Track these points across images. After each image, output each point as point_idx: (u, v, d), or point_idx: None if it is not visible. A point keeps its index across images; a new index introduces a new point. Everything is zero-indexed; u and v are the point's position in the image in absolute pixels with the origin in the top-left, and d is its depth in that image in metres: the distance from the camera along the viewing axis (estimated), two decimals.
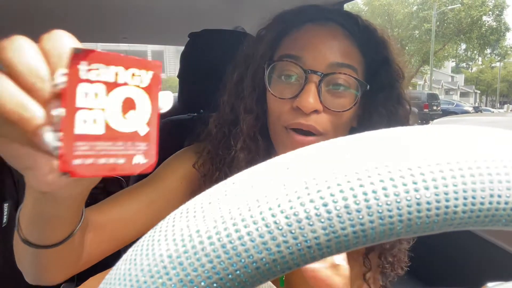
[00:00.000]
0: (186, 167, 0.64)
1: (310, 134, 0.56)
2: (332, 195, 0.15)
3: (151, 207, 0.60)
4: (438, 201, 0.15)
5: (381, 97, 0.59)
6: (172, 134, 0.81)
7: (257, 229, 0.15)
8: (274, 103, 0.58)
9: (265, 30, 0.61)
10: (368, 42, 0.58)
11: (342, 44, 0.56)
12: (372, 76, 0.59)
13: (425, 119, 14.63)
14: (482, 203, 0.15)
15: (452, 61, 36.32)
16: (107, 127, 0.26)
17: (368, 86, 0.57)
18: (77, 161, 0.24)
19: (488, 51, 31.06)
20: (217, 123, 0.63)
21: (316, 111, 0.55)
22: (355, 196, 0.15)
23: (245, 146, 0.59)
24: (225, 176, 0.60)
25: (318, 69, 0.54)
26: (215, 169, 0.62)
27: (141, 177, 0.83)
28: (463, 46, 28.48)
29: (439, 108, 15.95)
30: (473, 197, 0.15)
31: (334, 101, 0.56)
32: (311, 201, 0.15)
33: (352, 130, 0.61)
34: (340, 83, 0.56)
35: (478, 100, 39.91)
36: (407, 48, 26.17)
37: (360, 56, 0.58)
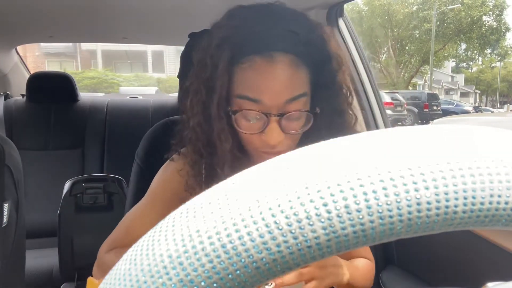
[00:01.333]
0: (175, 183, 0.71)
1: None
2: (332, 195, 0.15)
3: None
4: (438, 201, 0.15)
5: (325, 95, 0.65)
6: (172, 134, 0.81)
7: (257, 229, 0.15)
8: (243, 134, 0.64)
9: (214, 54, 0.62)
10: (310, 52, 0.62)
11: (291, 76, 0.60)
12: (315, 76, 0.64)
13: (425, 119, 14.65)
14: (482, 203, 0.15)
15: (452, 61, 36.31)
16: None
17: (318, 109, 0.64)
18: None
19: (488, 51, 31.05)
20: (192, 143, 0.67)
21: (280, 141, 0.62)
22: (355, 196, 0.15)
23: (231, 167, 0.64)
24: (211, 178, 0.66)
25: (276, 108, 0.60)
26: (199, 186, 0.67)
27: (138, 189, 0.84)
28: (463, 46, 28.51)
29: (439, 108, 15.96)
30: (473, 197, 0.15)
31: (293, 126, 0.63)
32: (311, 201, 0.15)
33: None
34: (297, 116, 0.62)
35: (478, 100, 39.90)
36: (407, 48, 26.19)
37: (307, 71, 0.62)
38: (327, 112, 0.65)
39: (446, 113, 15.78)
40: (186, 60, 1.06)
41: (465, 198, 0.15)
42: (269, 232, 0.15)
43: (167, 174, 0.73)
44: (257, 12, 0.63)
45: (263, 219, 0.15)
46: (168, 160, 0.75)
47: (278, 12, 0.63)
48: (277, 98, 0.60)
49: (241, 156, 0.65)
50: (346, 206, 0.15)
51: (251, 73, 0.60)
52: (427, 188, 0.15)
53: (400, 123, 12.82)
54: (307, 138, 0.66)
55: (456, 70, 41.11)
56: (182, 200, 0.69)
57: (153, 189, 0.74)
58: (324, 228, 0.15)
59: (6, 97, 2.09)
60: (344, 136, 0.18)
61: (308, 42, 0.61)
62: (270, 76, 0.60)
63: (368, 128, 1.24)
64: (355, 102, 0.70)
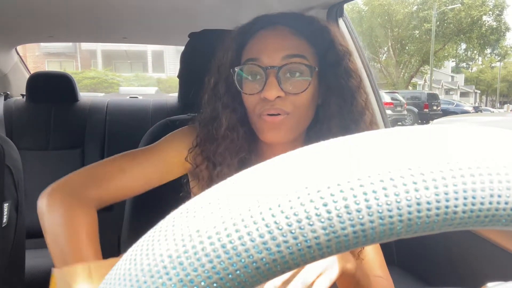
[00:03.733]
0: (181, 149, 0.74)
1: (278, 114, 0.68)
2: (332, 195, 0.15)
3: (141, 177, 0.71)
4: (438, 201, 0.15)
5: (332, 74, 0.70)
6: None
7: (257, 229, 0.15)
8: (247, 99, 0.70)
9: (230, 42, 0.72)
10: (313, 33, 0.69)
11: (290, 40, 0.68)
12: (322, 59, 0.70)
13: (425, 119, 14.64)
14: (482, 203, 0.15)
15: (452, 61, 36.28)
16: None
17: (317, 68, 0.69)
18: None
19: (488, 51, 31.05)
20: (201, 122, 0.74)
21: (279, 97, 0.66)
22: (355, 196, 0.15)
23: (226, 135, 0.70)
24: (214, 166, 0.71)
25: (274, 64, 0.66)
26: (204, 159, 0.72)
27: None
28: (463, 46, 28.50)
29: (439, 108, 15.95)
30: (473, 197, 0.15)
31: (292, 86, 0.67)
32: (311, 201, 0.15)
33: (318, 108, 0.72)
34: (294, 70, 0.67)
35: (478, 100, 39.88)
36: (407, 48, 26.19)
37: (308, 46, 0.69)
38: (334, 89, 0.69)
39: (446, 113, 15.78)
40: (186, 60, 1.06)
41: (465, 198, 0.15)
42: (269, 232, 0.15)
43: (177, 134, 0.77)
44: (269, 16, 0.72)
45: (263, 219, 0.15)
46: (180, 129, 0.78)
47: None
48: (273, 54, 0.66)
49: (240, 132, 0.71)
50: (346, 206, 0.15)
51: (255, 41, 0.69)
52: (427, 188, 0.15)
53: (400, 123, 12.82)
54: (323, 113, 0.71)
55: (456, 70, 41.10)
56: (184, 165, 0.74)
57: (160, 141, 0.76)
58: (324, 228, 0.15)
59: (6, 97, 2.09)
60: (343, 136, 0.18)
61: (312, 24, 0.70)
62: (269, 38, 0.68)
63: None
64: (368, 93, 0.75)
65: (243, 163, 0.70)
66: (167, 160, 0.73)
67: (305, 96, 0.68)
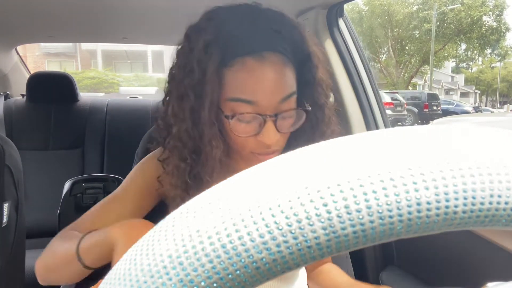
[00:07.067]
0: (149, 179, 0.71)
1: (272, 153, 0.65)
2: (332, 195, 0.15)
3: (130, 215, 0.69)
4: (438, 201, 0.15)
5: (309, 91, 0.66)
6: None
7: (257, 229, 0.15)
8: (238, 138, 0.63)
9: (202, 59, 0.60)
10: (294, 50, 0.63)
11: (282, 75, 0.60)
12: (300, 74, 0.65)
13: (425, 119, 14.65)
14: (482, 203, 0.15)
15: (452, 61, 36.28)
16: None
17: (309, 106, 0.65)
18: None
19: (488, 51, 31.03)
20: (177, 150, 0.64)
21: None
22: (355, 196, 0.15)
23: (220, 173, 0.62)
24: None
25: (271, 108, 0.60)
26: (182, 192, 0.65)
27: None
28: (463, 46, 28.47)
29: (439, 108, 15.96)
30: (473, 197, 0.15)
31: (287, 124, 0.64)
32: (311, 201, 0.15)
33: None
34: (291, 111, 0.63)
35: (478, 100, 39.87)
36: (407, 48, 26.18)
37: (293, 68, 0.63)
38: (312, 108, 0.66)
39: (446, 113, 15.79)
40: (178, 64, 1.05)
41: (465, 198, 0.15)
42: (269, 232, 0.15)
43: (148, 165, 0.73)
44: (238, 12, 0.62)
45: (263, 219, 0.15)
46: (151, 153, 0.73)
47: (258, 12, 0.63)
48: (271, 98, 0.60)
49: (229, 162, 0.65)
50: (346, 206, 0.15)
51: (243, 74, 0.59)
52: (427, 188, 0.15)
53: (400, 123, 12.83)
54: (293, 134, 0.67)
55: (456, 70, 41.10)
56: (158, 191, 0.70)
57: (130, 177, 0.74)
58: (324, 228, 0.15)
59: (6, 97, 2.09)
60: (343, 137, 0.18)
61: (291, 40, 0.62)
62: (263, 76, 0.59)
63: (368, 128, 1.24)
64: (332, 98, 0.72)
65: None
66: (142, 195, 0.71)
67: (293, 123, 0.65)
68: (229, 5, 0.64)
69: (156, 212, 0.74)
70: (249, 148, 0.64)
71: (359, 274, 1.08)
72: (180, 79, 0.62)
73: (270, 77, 0.59)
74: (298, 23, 0.66)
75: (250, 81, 0.59)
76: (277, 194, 0.15)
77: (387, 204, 0.15)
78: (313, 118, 0.66)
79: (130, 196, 0.71)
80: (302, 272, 0.79)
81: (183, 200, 0.63)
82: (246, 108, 0.60)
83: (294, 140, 0.66)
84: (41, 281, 0.68)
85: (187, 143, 0.62)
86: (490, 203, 0.15)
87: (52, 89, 2.02)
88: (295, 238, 0.15)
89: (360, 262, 1.19)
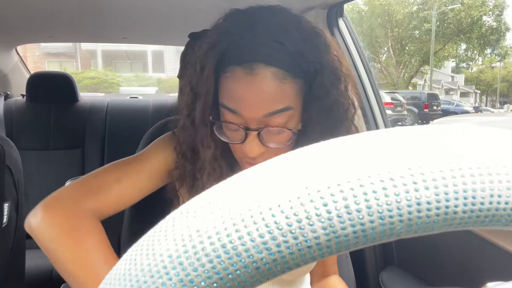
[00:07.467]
0: (168, 158, 0.70)
1: None
2: (332, 195, 0.15)
3: (137, 186, 0.68)
4: (438, 201, 0.15)
5: (315, 108, 0.61)
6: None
7: (257, 229, 0.15)
8: (227, 141, 0.63)
9: (202, 60, 0.60)
10: (300, 63, 0.58)
11: (272, 89, 0.57)
12: (309, 88, 0.60)
13: (425, 119, 14.65)
14: (482, 203, 0.15)
15: (452, 61, 36.27)
16: None
17: (301, 125, 0.61)
18: None
19: (488, 51, 31.02)
20: (179, 145, 0.67)
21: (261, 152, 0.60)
22: (355, 196, 0.15)
23: (210, 171, 0.64)
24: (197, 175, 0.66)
25: (255, 122, 0.58)
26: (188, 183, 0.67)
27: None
28: (463, 46, 28.48)
29: (439, 108, 15.96)
30: (473, 197, 0.15)
31: (275, 139, 0.60)
32: (311, 201, 0.15)
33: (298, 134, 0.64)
34: (277, 127, 0.59)
35: (478, 100, 39.87)
36: (407, 48, 26.18)
37: (294, 83, 0.58)
38: (316, 127, 0.61)
39: (446, 113, 15.80)
40: (186, 60, 1.05)
41: (465, 198, 0.15)
42: (269, 232, 0.15)
43: (163, 140, 0.72)
44: (248, 18, 0.59)
45: (263, 219, 0.15)
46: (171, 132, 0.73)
47: (269, 19, 0.58)
48: (255, 111, 0.57)
49: (222, 164, 0.64)
50: (346, 206, 0.15)
51: (231, 83, 0.58)
52: (427, 188, 0.15)
53: (400, 123, 12.83)
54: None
55: (456, 70, 41.10)
56: (169, 173, 0.69)
57: (148, 149, 0.72)
58: (324, 228, 0.15)
59: (6, 97, 2.09)
60: (343, 137, 0.18)
61: (297, 53, 0.57)
62: (249, 89, 0.57)
63: (368, 128, 1.24)
64: (358, 119, 0.65)
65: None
66: (157, 167, 0.69)
67: (288, 143, 0.61)
68: (248, 8, 0.62)
69: (158, 211, 0.74)
70: (237, 155, 0.64)
71: (359, 274, 1.08)
72: (187, 75, 0.64)
73: (256, 91, 0.56)
74: (318, 32, 0.61)
75: (236, 91, 0.58)
76: (277, 194, 0.15)
77: (387, 204, 0.15)
78: (320, 139, 0.61)
79: (147, 166, 0.69)
80: (306, 283, 0.79)
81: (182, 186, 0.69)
82: (231, 117, 0.59)
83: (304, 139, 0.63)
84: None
85: (186, 139, 0.65)
86: (490, 203, 0.15)
87: (52, 89, 2.03)
88: (295, 238, 0.15)
89: (360, 262, 1.19)
